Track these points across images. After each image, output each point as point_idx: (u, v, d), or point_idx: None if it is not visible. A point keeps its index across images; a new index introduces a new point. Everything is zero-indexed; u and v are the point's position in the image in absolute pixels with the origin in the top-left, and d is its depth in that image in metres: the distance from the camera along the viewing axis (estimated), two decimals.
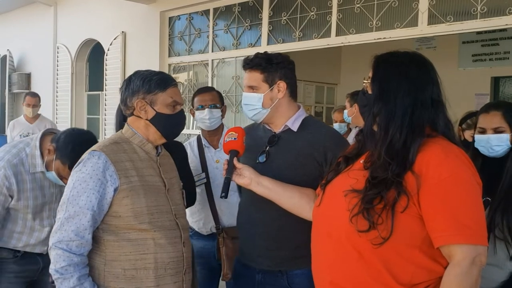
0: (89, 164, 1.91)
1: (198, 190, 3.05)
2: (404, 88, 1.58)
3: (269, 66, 2.13)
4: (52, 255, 1.87)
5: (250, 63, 2.15)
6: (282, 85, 2.14)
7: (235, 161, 1.97)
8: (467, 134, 3.58)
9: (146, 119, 2.01)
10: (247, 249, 2.25)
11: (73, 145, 2.41)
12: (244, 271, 2.26)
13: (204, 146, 3.12)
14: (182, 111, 2.09)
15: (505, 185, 2.28)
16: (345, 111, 4.81)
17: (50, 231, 2.60)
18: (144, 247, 1.93)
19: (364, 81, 1.71)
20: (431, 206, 1.47)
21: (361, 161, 1.67)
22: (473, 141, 2.45)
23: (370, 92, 1.66)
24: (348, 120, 4.73)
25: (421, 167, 1.49)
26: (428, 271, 1.51)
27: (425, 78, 1.61)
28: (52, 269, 1.86)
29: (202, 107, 3.04)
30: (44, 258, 2.67)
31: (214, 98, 3.09)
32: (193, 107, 3.14)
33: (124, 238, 1.92)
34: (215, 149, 3.10)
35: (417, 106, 1.57)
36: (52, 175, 2.52)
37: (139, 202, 1.92)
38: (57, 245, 1.86)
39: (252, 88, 2.15)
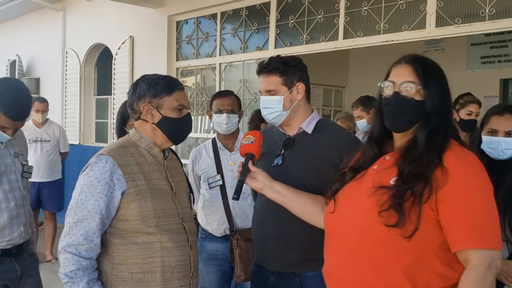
0: (96, 168, 1.91)
1: (212, 192, 3.09)
2: (448, 96, 1.65)
3: (287, 69, 2.14)
4: (61, 259, 1.87)
5: (267, 67, 2.15)
6: (301, 86, 2.16)
7: (249, 164, 1.98)
8: (462, 113, 3.65)
9: (153, 123, 2.02)
10: (260, 250, 2.27)
11: (1, 90, 2.49)
12: (259, 272, 2.28)
13: (219, 148, 3.14)
14: (188, 115, 2.09)
15: (508, 185, 2.28)
16: (361, 121, 4.71)
17: (16, 206, 2.59)
18: (151, 251, 1.93)
19: (406, 84, 1.63)
20: (448, 211, 1.48)
21: (374, 167, 1.68)
22: (479, 142, 2.43)
23: (418, 98, 1.61)
24: (368, 128, 4.63)
25: (437, 173, 1.51)
26: (443, 278, 1.52)
27: (447, 86, 1.67)
28: (61, 273, 1.86)
29: (220, 111, 3.06)
30: (22, 265, 2.66)
31: (232, 103, 3.11)
32: (211, 109, 3.15)
33: (131, 242, 1.92)
34: (230, 151, 3.12)
35: (449, 112, 1.66)
36: None
37: (146, 206, 1.92)
38: (66, 249, 1.86)
39: (270, 92, 2.15)
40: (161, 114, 2.01)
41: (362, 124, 4.68)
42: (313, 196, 1.97)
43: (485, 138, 2.39)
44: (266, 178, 1.97)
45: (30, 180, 6.43)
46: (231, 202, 3.02)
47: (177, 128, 2.06)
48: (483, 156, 2.40)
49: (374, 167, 1.68)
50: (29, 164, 2.81)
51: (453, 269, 1.51)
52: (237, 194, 1.94)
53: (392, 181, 1.57)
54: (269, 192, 1.97)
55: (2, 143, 2.61)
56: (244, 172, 1.96)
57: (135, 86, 2.06)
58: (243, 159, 2.02)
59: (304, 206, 1.95)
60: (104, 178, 1.89)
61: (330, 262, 1.72)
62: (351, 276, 1.60)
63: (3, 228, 2.56)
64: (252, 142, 2.01)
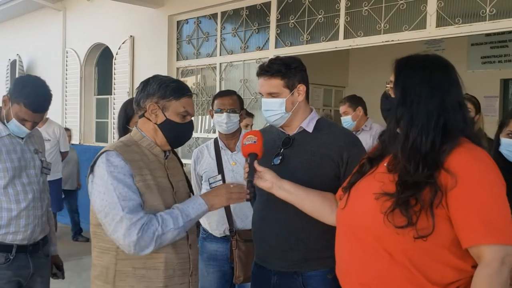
0: (113, 160, 1.90)
1: None
2: (427, 92, 1.59)
3: (289, 72, 2.14)
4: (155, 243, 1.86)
5: (269, 70, 2.15)
6: (302, 88, 2.17)
7: (255, 164, 1.96)
8: None
9: (155, 123, 2.02)
10: (261, 250, 2.27)
11: (23, 84, 2.62)
12: (260, 273, 2.27)
13: (221, 148, 3.14)
14: (191, 122, 2.10)
15: None
16: (347, 117, 4.64)
17: (34, 198, 2.66)
18: None
19: (387, 85, 1.73)
20: (460, 207, 1.48)
21: (384, 164, 1.68)
22: (497, 144, 2.39)
23: (393, 96, 1.67)
24: (351, 125, 4.59)
25: (449, 170, 1.51)
26: (458, 271, 1.52)
27: (448, 81, 1.63)
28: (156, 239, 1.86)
29: (221, 111, 3.07)
30: (36, 263, 2.70)
31: (233, 102, 3.12)
32: (212, 108, 3.17)
33: None
34: (232, 151, 3.13)
35: (445, 109, 1.58)
36: (14, 123, 2.62)
37: (155, 199, 1.93)
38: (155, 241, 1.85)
39: (272, 95, 2.15)
40: (165, 116, 2.01)
41: (347, 120, 4.59)
42: (323, 193, 1.97)
43: (504, 140, 2.32)
44: (274, 177, 1.96)
45: None
46: None
47: (177, 133, 2.06)
48: (500, 159, 2.35)
49: (384, 164, 1.68)
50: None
51: (466, 262, 1.52)
52: (250, 195, 1.93)
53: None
54: (278, 191, 1.96)
55: (22, 138, 2.70)
56: (251, 172, 1.94)
57: (145, 84, 2.06)
58: (243, 160, 2.01)
59: (313, 203, 1.95)
60: (123, 167, 1.88)
61: (347, 258, 1.71)
62: (373, 271, 1.59)
63: (20, 217, 2.63)
64: (254, 141, 2.00)
